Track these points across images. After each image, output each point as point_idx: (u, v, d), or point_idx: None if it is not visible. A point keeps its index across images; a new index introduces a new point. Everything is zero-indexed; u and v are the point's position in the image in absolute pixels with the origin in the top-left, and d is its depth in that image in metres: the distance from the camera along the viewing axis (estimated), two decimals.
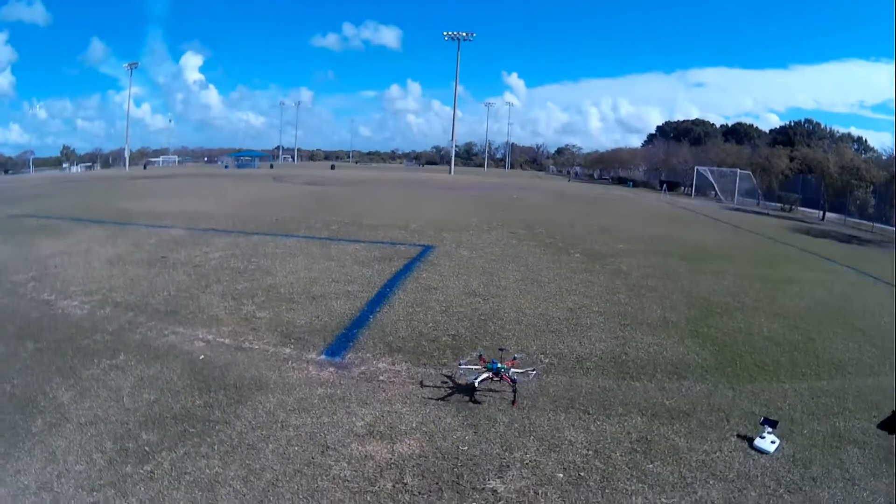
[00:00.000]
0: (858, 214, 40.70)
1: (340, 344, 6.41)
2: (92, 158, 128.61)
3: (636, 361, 6.25)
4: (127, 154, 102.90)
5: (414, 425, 4.60)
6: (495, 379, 5.19)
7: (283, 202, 24.53)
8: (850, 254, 19.98)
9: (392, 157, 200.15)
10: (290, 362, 5.82)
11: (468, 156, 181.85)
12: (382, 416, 4.72)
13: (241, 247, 12.24)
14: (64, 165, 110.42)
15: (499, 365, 5.21)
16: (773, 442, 4.54)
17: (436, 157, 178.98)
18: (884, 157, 37.75)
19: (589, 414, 4.94)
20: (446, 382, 5.57)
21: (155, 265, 10.33)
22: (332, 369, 5.68)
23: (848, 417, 5.29)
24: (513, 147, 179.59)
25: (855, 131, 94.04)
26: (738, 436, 4.71)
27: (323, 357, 6.01)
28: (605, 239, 15.79)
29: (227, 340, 6.45)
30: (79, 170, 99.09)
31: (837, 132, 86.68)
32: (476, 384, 5.12)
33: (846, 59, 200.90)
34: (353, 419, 4.66)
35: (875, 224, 36.61)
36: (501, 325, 7.20)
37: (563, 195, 38.67)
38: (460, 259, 11.43)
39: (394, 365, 5.83)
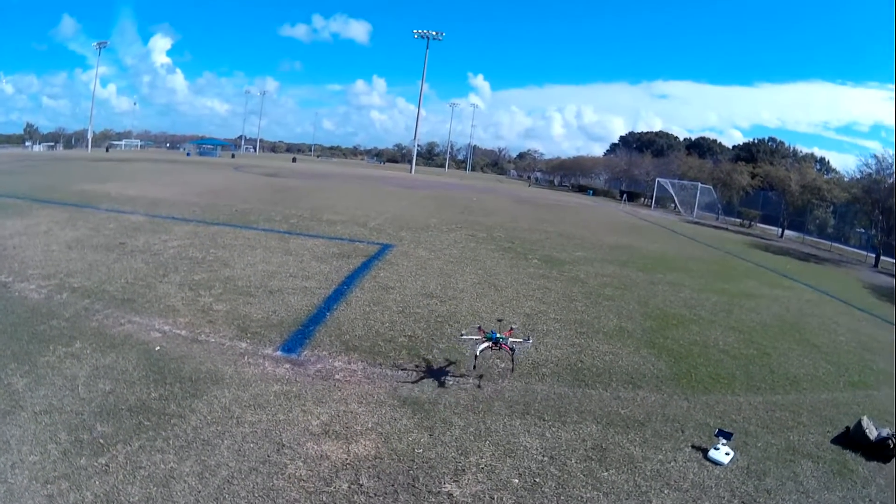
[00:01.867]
0: (817, 233, 42.05)
1: (297, 340, 6.34)
2: (55, 137, 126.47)
3: (592, 369, 6.34)
4: (90, 135, 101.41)
5: (370, 426, 4.57)
6: (494, 348, 5.63)
7: (244, 192, 24.32)
8: (808, 271, 20.79)
9: (354, 152, 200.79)
10: (246, 357, 5.74)
11: (430, 155, 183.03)
12: (338, 416, 4.68)
13: (200, 236, 12.11)
14: (27, 143, 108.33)
15: (497, 335, 5.57)
16: (727, 454, 4.66)
17: (397, 155, 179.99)
18: (846, 179, 39.03)
19: (544, 420, 4.98)
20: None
21: (113, 251, 10.18)
22: (288, 366, 5.61)
23: (802, 432, 5.48)
24: (475, 149, 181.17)
25: (818, 152, 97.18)
26: (693, 446, 4.81)
27: (279, 353, 5.94)
28: (564, 245, 16.04)
29: (183, 332, 6.35)
30: (41, 149, 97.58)
31: (801, 151, 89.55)
32: (477, 353, 5.53)
33: (811, 80, 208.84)
34: (309, 418, 4.61)
35: (833, 243, 37.94)
36: (458, 327, 7.19)
37: (523, 200, 39.11)
38: (418, 259, 11.44)
39: (350, 364, 5.79)
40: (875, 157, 32.50)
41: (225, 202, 19.14)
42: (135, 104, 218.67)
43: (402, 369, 5.78)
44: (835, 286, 17.49)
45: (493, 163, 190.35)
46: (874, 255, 31.10)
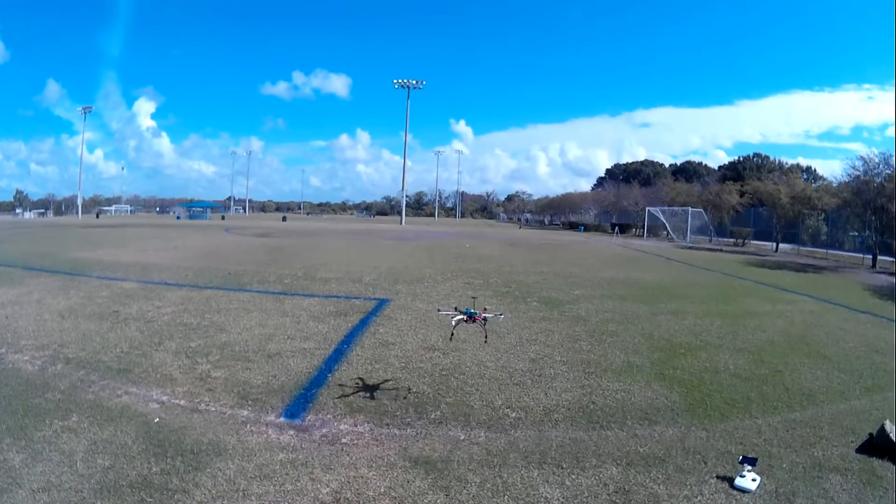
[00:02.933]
0: (811, 243, 42.25)
1: (299, 405, 6.20)
2: (45, 204, 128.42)
3: (605, 410, 6.22)
4: (79, 201, 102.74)
5: (382, 490, 4.42)
6: (468, 321, 6.21)
7: (236, 254, 24.48)
8: (807, 282, 20.87)
9: (343, 207, 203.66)
10: (248, 425, 5.58)
11: (419, 205, 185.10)
12: (348, 482, 4.52)
13: (193, 301, 12.03)
14: (17, 210, 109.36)
15: (472, 310, 6.21)
16: (753, 480, 4.54)
17: (386, 207, 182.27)
18: (834, 184, 39.29)
19: (562, 468, 4.84)
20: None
21: (107, 319, 10.12)
22: (292, 432, 5.45)
23: (825, 446, 5.38)
24: (463, 195, 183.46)
25: (802, 161, 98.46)
26: (718, 477, 4.68)
27: (282, 419, 5.78)
28: (561, 285, 16.01)
29: (182, 402, 6.20)
30: (32, 216, 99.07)
31: (786, 163, 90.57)
32: (454, 324, 6.24)
33: (790, 91, 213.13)
34: (319, 486, 4.45)
35: (829, 251, 38.07)
36: (464, 379, 7.10)
37: (515, 242, 39.27)
38: (417, 312, 11.33)
39: (356, 426, 5.64)
40: (861, 158, 32.67)
41: (217, 265, 19.19)
42: (122, 169, 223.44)
43: (410, 427, 5.65)
44: (835, 293, 17.53)
45: (482, 208, 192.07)
46: (871, 257, 31.31)
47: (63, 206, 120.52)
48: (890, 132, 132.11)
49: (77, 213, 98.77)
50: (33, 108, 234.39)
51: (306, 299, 12.53)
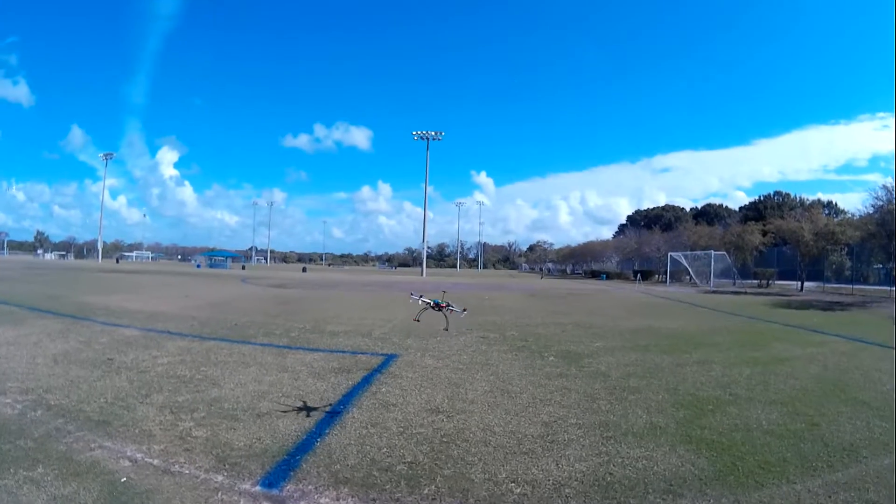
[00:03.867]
0: (835, 279, 41.47)
1: (280, 473, 5.57)
2: (66, 246, 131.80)
3: (624, 482, 5.52)
4: (100, 245, 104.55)
5: None
6: (435, 309, 7.50)
7: (247, 305, 24.12)
8: (836, 321, 20.22)
9: (365, 259, 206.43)
10: (220, 493, 5.00)
11: (441, 256, 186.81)
12: None
13: (192, 352, 11.61)
14: (38, 251, 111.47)
15: (439, 301, 7.43)
16: None
17: (409, 259, 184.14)
18: (855, 217, 38.75)
19: None
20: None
21: (99, 366, 9.82)
22: (266, 503, 4.89)
23: None
24: (485, 246, 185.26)
25: (822, 196, 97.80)
26: None
27: (258, 488, 5.18)
28: (581, 337, 15.30)
29: (155, 461, 5.70)
30: (52, 257, 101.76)
31: (807, 200, 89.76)
32: (420, 310, 7.59)
33: (806, 127, 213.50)
34: None
35: (854, 286, 37.22)
36: (466, 447, 6.42)
37: (535, 293, 38.51)
38: (425, 369, 10.70)
39: (338, 500, 5.01)
40: (884, 187, 32.09)
41: (226, 315, 18.82)
42: (144, 216, 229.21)
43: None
44: (866, 330, 16.94)
45: (504, 258, 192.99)
46: None
47: (85, 250, 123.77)
48: None
49: (97, 257, 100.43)
50: (58, 152, 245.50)
51: (310, 354, 11.96)
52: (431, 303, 7.39)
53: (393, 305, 26.21)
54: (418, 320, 7.92)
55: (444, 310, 7.44)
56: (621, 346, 13.70)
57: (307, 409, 7.80)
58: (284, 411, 7.73)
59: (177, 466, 5.62)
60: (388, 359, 11.66)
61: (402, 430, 7.10)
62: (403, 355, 12.06)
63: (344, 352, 12.44)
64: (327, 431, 6.94)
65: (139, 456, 5.82)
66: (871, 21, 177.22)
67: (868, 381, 9.98)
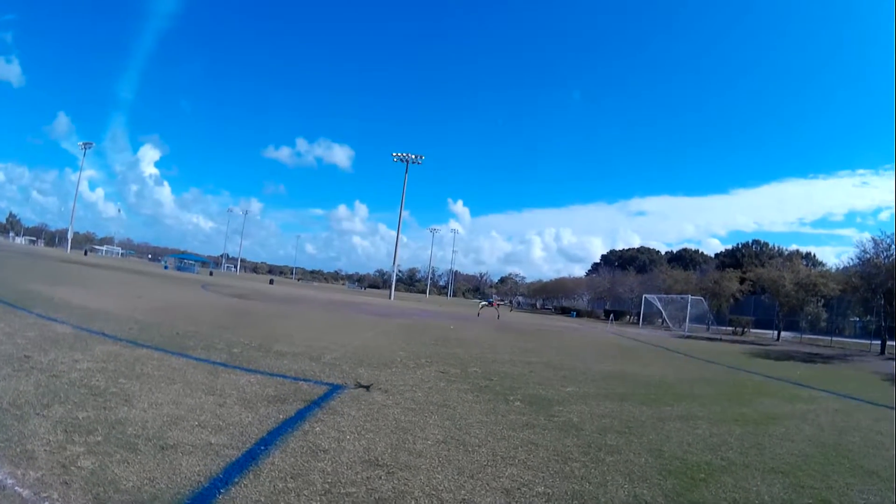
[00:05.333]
0: (810, 330, 41.79)
1: None
2: (38, 232, 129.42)
3: None
4: (70, 235, 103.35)
5: None
6: (490, 307, 8.59)
7: (200, 313, 22.80)
8: (820, 375, 19.97)
9: (335, 277, 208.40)
10: None
11: (411, 281, 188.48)
12: None
13: (119, 360, 10.35)
14: (10, 234, 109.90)
15: (491, 300, 8.17)
16: None
17: (379, 281, 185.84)
18: (834, 270, 39.69)
19: None
20: None
21: (12, 364, 8.86)
22: None
23: None
24: (456, 274, 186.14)
25: (798, 248, 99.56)
26: None
27: None
28: (551, 379, 13.98)
29: (25, 492, 4.54)
30: (22, 241, 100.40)
31: (784, 250, 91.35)
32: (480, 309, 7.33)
33: (784, 179, 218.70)
34: None
35: (830, 338, 37.45)
36: None
37: (504, 326, 37.26)
38: (371, 406, 9.20)
39: None
40: (873, 240, 32.45)
41: (172, 322, 17.60)
42: (119, 211, 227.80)
43: None
44: (854, 387, 16.70)
45: (474, 288, 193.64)
46: (879, 343, 31.09)
47: (57, 239, 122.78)
48: (883, 216, 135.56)
49: (67, 247, 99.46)
50: (42, 137, 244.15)
51: (246, 375, 10.52)
52: (486, 303, 8.18)
53: (353, 328, 24.94)
54: (479, 314, 7.79)
55: (495, 306, 8.10)
56: (595, 392, 12.47)
57: (220, 448, 6.36)
58: (194, 446, 6.33)
59: (47, 503, 4.47)
60: (333, 390, 10.19)
61: (327, 487, 5.64)
62: (351, 387, 10.61)
63: (285, 376, 10.96)
64: (236, 480, 5.51)
65: (10, 482, 4.71)
66: (855, 78, 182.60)
67: (870, 445, 9.28)
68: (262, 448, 6.52)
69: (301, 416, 8.20)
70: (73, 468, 5.22)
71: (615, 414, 10.26)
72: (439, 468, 6.48)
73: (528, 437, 8.16)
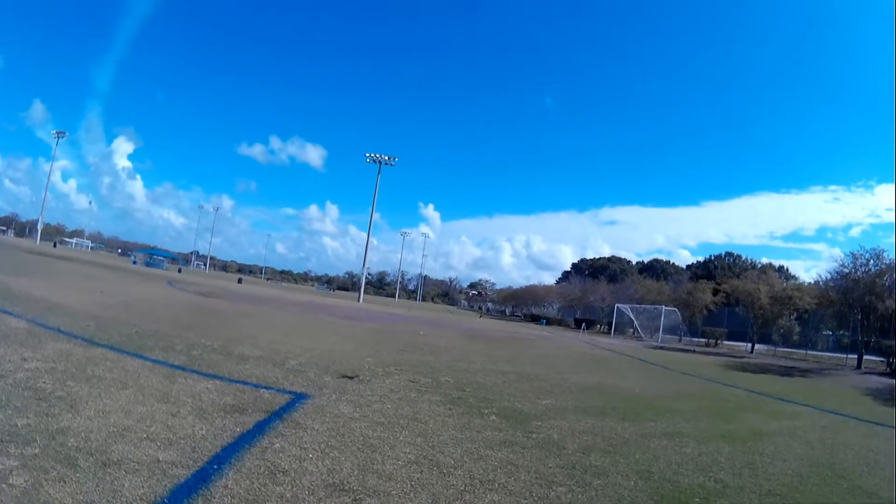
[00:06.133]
0: (782, 342, 42.17)
1: None
2: (7, 222, 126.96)
3: None
4: (39, 227, 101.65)
5: None
6: None
7: (162, 311, 21.91)
8: (800, 389, 20.03)
9: (305, 277, 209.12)
10: None
11: (381, 284, 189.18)
12: None
13: (70, 359, 9.62)
14: None
15: None
16: None
17: (348, 283, 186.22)
18: (806, 284, 40.31)
19: None
20: None
21: None
22: None
23: None
24: (425, 279, 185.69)
25: (768, 261, 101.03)
26: None
27: None
28: (526, 391, 13.39)
29: None
30: None
31: (757, 263, 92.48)
32: None
33: (756, 193, 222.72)
34: None
35: (805, 351, 37.81)
36: None
37: (475, 334, 36.74)
38: (337, 420, 8.43)
39: None
40: (852, 255, 32.64)
41: (133, 319, 16.84)
42: (90, 203, 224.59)
43: None
44: (837, 402, 16.94)
45: (444, 293, 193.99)
46: (852, 356, 31.53)
47: (27, 229, 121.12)
48: (854, 233, 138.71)
49: (36, 238, 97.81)
50: (17, 124, 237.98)
51: (204, 381, 9.72)
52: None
53: (320, 331, 24.19)
54: None
55: None
56: (573, 406, 11.95)
57: (169, 465, 5.62)
58: (140, 462, 5.58)
59: None
60: (296, 399, 9.42)
61: None
62: (315, 397, 9.83)
63: (246, 383, 10.18)
64: None
65: None
66: (830, 96, 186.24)
67: (864, 463, 9.24)
68: (215, 467, 5.74)
69: (260, 429, 7.40)
70: (2, 486, 4.58)
71: (597, 430, 9.70)
72: (412, 494, 5.77)
73: (507, 457, 7.48)
